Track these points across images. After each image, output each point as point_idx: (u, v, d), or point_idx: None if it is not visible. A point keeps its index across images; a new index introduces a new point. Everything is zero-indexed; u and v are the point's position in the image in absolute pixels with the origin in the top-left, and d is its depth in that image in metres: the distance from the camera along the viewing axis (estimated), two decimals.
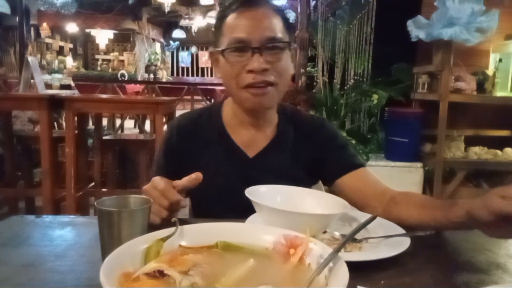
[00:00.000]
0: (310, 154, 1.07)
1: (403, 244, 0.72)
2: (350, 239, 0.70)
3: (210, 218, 0.98)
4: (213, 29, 1.06)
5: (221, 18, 1.00)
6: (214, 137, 1.07)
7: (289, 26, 1.03)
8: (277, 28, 0.97)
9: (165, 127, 3.03)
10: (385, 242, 0.75)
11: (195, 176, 0.84)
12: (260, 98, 0.97)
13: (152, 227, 0.62)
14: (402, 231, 0.79)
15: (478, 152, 3.15)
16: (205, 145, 1.07)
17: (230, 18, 0.98)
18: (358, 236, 0.74)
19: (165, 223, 0.77)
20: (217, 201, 1.05)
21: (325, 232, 0.79)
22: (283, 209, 0.74)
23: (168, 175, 0.98)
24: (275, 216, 0.73)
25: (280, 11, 1.02)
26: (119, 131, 4.93)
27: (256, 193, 0.81)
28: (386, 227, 0.81)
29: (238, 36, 0.95)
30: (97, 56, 11.61)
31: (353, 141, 3.11)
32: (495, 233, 0.68)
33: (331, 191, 1.08)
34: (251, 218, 0.81)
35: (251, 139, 1.06)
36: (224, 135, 1.07)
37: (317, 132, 1.09)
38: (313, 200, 0.86)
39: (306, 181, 1.05)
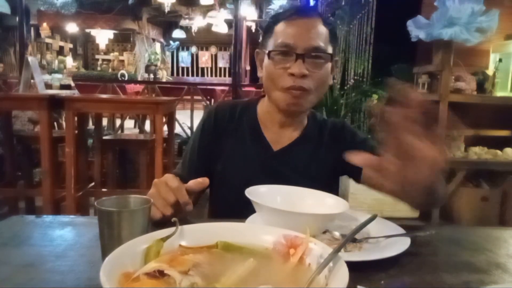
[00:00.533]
0: (332, 155, 1.13)
1: (403, 244, 0.72)
2: (350, 239, 0.71)
3: (226, 208, 1.04)
4: (261, 30, 1.18)
5: (273, 22, 1.08)
6: (246, 128, 1.15)
7: (335, 39, 1.09)
8: (323, 39, 1.04)
9: (165, 128, 3.03)
10: (385, 242, 0.75)
11: (202, 180, 0.86)
12: (295, 101, 1.04)
13: (152, 227, 0.62)
14: (402, 231, 0.79)
15: (478, 152, 3.15)
16: (237, 133, 1.14)
17: (282, 23, 1.05)
18: (358, 236, 0.74)
19: (165, 221, 0.77)
20: (238, 189, 1.04)
21: (325, 232, 0.79)
22: (283, 209, 0.74)
23: (199, 157, 1.13)
24: (275, 216, 0.73)
25: (329, 24, 1.08)
26: (119, 131, 4.93)
27: (256, 193, 0.81)
28: (386, 227, 0.81)
29: (286, 41, 1.02)
30: (97, 56, 11.61)
31: None
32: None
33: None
34: (251, 218, 0.81)
35: (279, 135, 1.14)
36: (255, 128, 1.14)
37: (338, 133, 1.16)
38: (313, 200, 0.86)
39: (325, 181, 1.11)
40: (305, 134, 1.15)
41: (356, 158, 0.63)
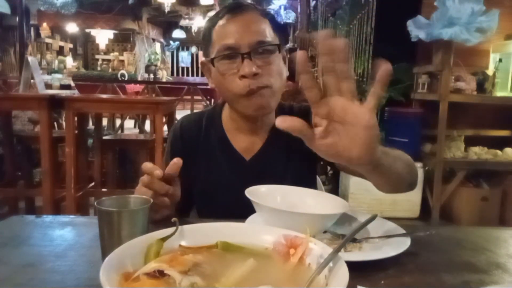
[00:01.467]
0: (304, 147, 1.05)
1: (403, 244, 0.72)
2: (350, 239, 0.71)
3: (213, 219, 1.00)
4: (202, 39, 1.06)
5: (209, 27, 1.01)
6: (215, 141, 1.09)
7: (279, 28, 1.03)
8: (266, 31, 0.97)
9: (165, 128, 3.03)
10: (385, 242, 0.75)
11: (176, 161, 0.83)
12: (261, 102, 0.96)
13: (152, 227, 0.62)
14: (402, 231, 0.79)
15: (478, 152, 3.15)
16: (207, 149, 1.09)
17: (218, 26, 0.98)
18: (358, 236, 0.74)
19: (163, 218, 0.80)
20: (219, 203, 1.07)
21: (325, 232, 0.79)
22: (283, 209, 0.74)
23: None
24: (275, 216, 0.73)
25: (268, 14, 1.02)
26: (119, 131, 4.93)
27: (256, 193, 0.81)
28: (386, 227, 0.81)
29: (227, 43, 0.95)
30: (97, 56, 11.61)
31: None
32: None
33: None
34: (251, 218, 0.81)
35: (248, 143, 1.08)
36: (223, 140, 1.09)
37: (308, 118, 1.06)
38: (313, 200, 0.86)
39: (304, 178, 1.06)
40: (273, 134, 1.08)
41: (281, 122, 0.59)
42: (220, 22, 0.98)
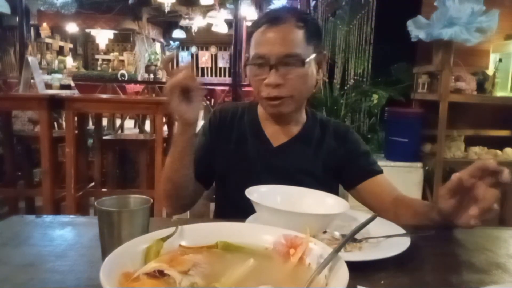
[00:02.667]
0: (332, 157, 1.15)
1: (403, 244, 0.72)
2: (350, 239, 0.71)
3: (232, 206, 1.03)
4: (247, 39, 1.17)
5: (251, 32, 1.09)
6: (247, 127, 1.18)
7: (314, 35, 1.08)
8: (296, 43, 1.03)
9: (165, 128, 3.03)
10: (385, 242, 0.75)
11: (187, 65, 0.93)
12: (276, 108, 1.08)
13: (152, 227, 0.62)
14: (402, 231, 0.79)
15: (478, 152, 3.15)
16: (239, 132, 1.18)
17: (257, 33, 1.06)
18: (358, 236, 0.74)
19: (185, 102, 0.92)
20: (241, 186, 1.07)
21: (325, 232, 0.79)
22: (283, 209, 0.74)
23: (205, 155, 1.16)
24: (275, 216, 0.73)
25: (305, 21, 1.06)
26: (119, 131, 4.93)
27: (256, 193, 0.81)
28: (386, 227, 0.81)
29: (259, 52, 1.04)
30: (97, 56, 11.61)
31: None
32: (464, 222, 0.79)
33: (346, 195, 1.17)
34: (251, 218, 0.81)
35: (278, 132, 1.16)
36: (256, 125, 1.18)
37: (342, 137, 1.18)
38: (313, 200, 0.86)
39: (324, 179, 1.14)
40: (304, 132, 1.17)
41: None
42: (259, 30, 1.06)
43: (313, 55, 1.08)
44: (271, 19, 1.05)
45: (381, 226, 0.81)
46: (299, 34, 1.04)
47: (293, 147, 1.15)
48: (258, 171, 1.12)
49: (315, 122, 1.19)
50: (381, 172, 1.13)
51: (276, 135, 1.16)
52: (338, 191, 1.21)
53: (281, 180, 0.96)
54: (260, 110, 1.21)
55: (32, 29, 8.84)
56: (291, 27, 1.04)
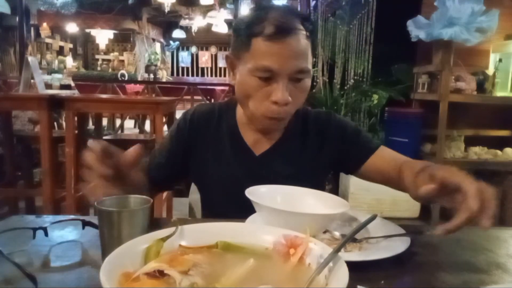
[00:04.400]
0: (322, 151, 1.08)
1: (403, 244, 0.72)
2: (350, 239, 0.71)
3: (218, 213, 1.03)
4: (234, 33, 1.02)
5: (249, 34, 0.94)
6: (225, 133, 1.09)
7: (315, 41, 1.01)
8: (307, 56, 0.95)
9: (165, 128, 3.03)
10: (385, 242, 0.75)
11: (137, 148, 0.78)
12: (274, 126, 1.01)
13: (152, 227, 0.62)
14: (402, 231, 0.79)
15: (478, 152, 3.15)
16: (216, 139, 1.08)
17: (261, 41, 0.92)
18: (358, 236, 0.74)
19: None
20: (224, 195, 1.07)
21: (325, 232, 0.79)
22: (283, 209, 0.74)
23: (170, 158, 1.09)
24: (275, 216, 0.73)
25: (311, 32, 0.96)
26: (119, 131, 4.93)
27: (256, 193, 0.81)
28: (386, 227, 0.81)
29: (267, 65, 0.91)
30: (97, 56, 11.62)
31: None
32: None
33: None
34: (251, 218, 0.81)
35: (260, 139, 1.08)
36: (235, 133, 1.08)
37: (325, 127, 1.09)
38: (313, 200, 0.86)
39: (312, 180, 1.05)
40: (287, 135, 1.08)
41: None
42: (265, 38, 0.91)
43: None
44: (280, 28, 0.91)
45: (381, 226, 0.81)
46: (308, 45, 0.95)
47: (277, 154, 1.07)
48: (241, 180, 1.00)
49: (296, 121, 1.08)
50: (378, 147, 1.06)
51: (257, 143, 1.08)
52: (324, 188, 1.16)
53: None
54: (239, 114, 1.10)
55: (32, 29, 8.85)
56: (301, 38, 0.93)
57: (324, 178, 1.19)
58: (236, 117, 1.10)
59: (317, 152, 1.08)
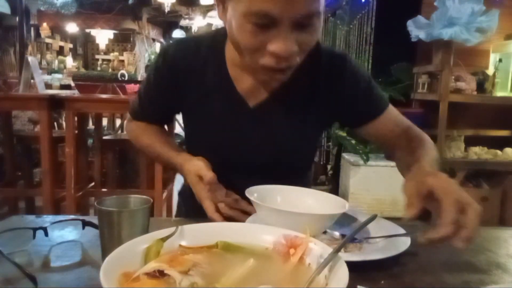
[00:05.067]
0: (326, 100, 0.92)
1: (403, 244, 0.72)
2: (350, 239, 0.71)
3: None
4: None
5: None
6: (215, 78, 0.90)
7: None
8: None
9: (165, 127, 3.03)
10: (385, 242, 0.75)
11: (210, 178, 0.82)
12: (277, 77, 0.80)
13: (152, 227, 0.62)
14: (403, 231, 0.79)
15: (478, 152, 3.15)
16: (203, 86, 0.91)
17: None
18: (358, 236, 0.74)
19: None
20: (211, 151, 0.95)
21: (325, 232, 0.79)
22: (283, 209, 0.74)
23: (153, 95, 0.97)
24: (275, 216, 0.73)
25: None
26: (119, 131, 4.93)
27: (256, 192, 0.81)
28: (386, 227, 0.81)
29: (265, 10, 0.69)
30: (97, 56, 11.61)
31: (353, 141, 3.11)
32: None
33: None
34: (251, 218, 0.81)
35: (254, 87, 0.89)
36: (225, 79, 0.90)
37: (337, 75, 0.91)
38: (313, 200, 0.86)
39: (312, 135, 0.98)
40: (289, 82, 0.86)
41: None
42: None
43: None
44: None
45: (381, 226, 0.81)
46: None
47: (275, 105, 0.89)
48: (230, 137, 0.91)
49: (302, 63, 0.82)
50: (385, 108, 0.94)
51: (252, 91, 0.89)
52: (318, 143, 1.13)
53: (261, 147, 0.88)
54: (229, 53, 0.88)
55: (32, 29, 8.85)
56: None
57: (323, 132, 1.09)
58: (225, 57, 0.90)
59: (324, 103, 0.92)
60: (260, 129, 0.91)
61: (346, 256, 0.63)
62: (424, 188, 0.64)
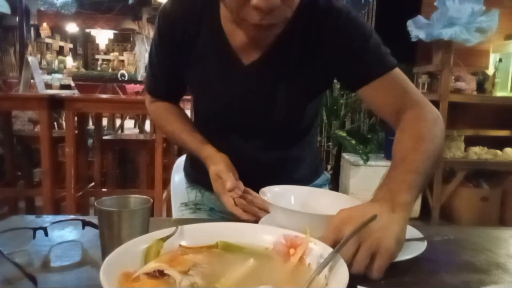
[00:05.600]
0: (321, 57, 0.87)
1: (418, 248, 0.70)
2: (350, 239, 0.70)
3: (209, 129, 1.00)
4: None
5: None
6: (210, 34, 0.88)
7: None
8: None
9: None
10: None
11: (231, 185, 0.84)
12: (262, 33, 0.77)
13: (152, 227, 0.62)
14: (420, 234, 0.77)
15: (478, 152, 3.15)
16: (198, 42, 0.89)
17: None
18: None
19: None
20: (211, 112, 1.00)
21: None
22: (297, 210, 0.74)
23: (165, 70, 0.97)
24: (288, 217, 0.71)
25: None
26: (119, 131, 4.93)
27: (270, 193, 0.80)
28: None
29: None
30: (97, 56, 11.62)
31: (353, 141, 3.11)
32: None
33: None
34: (265, 218, 0.80)
35: (249, 43, 0.85)
36: (220, 35, 0.86)
37: (330, 29, 0.85)
38: (327, 201, 0.84)
39: (310, 93, 0.93)
40: (284, 37, 0.83)
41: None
42: None
43: None
44: None
45: None
46: None
47: (270, 62, 0.86)
48: (226, 97, 0.90)
49: (299, 16, 0.80)
50: (386, 71, 0.85)
51: (246, 47, 0.86)
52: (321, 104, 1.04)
53: (258, 106, 0.88)
54: (223, 10, 0.85)
55: (32, 29, 8.85)
56: None
57: (323, 92, 1.03)
58: (219, 13, 0.86)
59: (319, 61, 0.88)
60: (255, 87, 0.89)
61: None
62: (347, 229, 0.59)
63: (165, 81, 1.02)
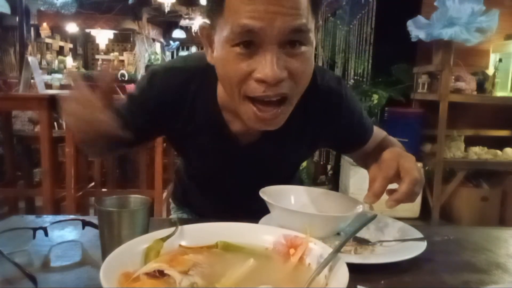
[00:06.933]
0: (320, 134, 0.91)
1: (417, 248, 0.70)
2: (350, 239, 0.70)
3: (200, 204, 1.05)
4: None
5: None
6: (206, 117, 0.85)
7: None
8: (303, 8, 0.65)
9: None
10: (399, 245, 0.74)
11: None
12: (268, 118, 0.71)
13: (152, 227, 0.62)
14: (420, 235, 0.77)
15: (478, 152, 3.15)
16: (191, 121, 0.85)
17: None
18: (371, 239, 0.75)
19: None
20: (201, 182, 1.03)
21: (338, 234, 0.77)
22: (296, 210, 0.74)
23: (135, 126, 0.80)
24: (288, 217, 0.72)
25: None
26: None
27: (269, 193, 0.80)
28: (404, 230, 0.80)
29: (246, 24, 0.63)
30: (97, 56, 11.61)
31: None
32: None
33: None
34: (265, 219, 0.80)
35: (248, 128, 0.83)
36: (217, 119, 0.85)
37: (333, 111, 0.87)
38: (327, 201, 0.84)
39: (302, 159, 1.07)
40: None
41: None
42: None
43: (318, 22, 0.74)
44: None
45: (399, 230, 0.80)
46: None
47: (267, 144, 0.87)
48: (221, 172, 0.92)
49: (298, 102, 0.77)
50: (372, 132, 0.97)
51: (245, 131, 0.85)
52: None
53: (252, 176, 0.88)
54: (220, 91, 0.82)
55: (32, 29, 8.84)
56: None
57: (310, 155, 1.19)
58: (217, 95, 0.84)
59: (317, 137, 0.91)
60: (250, 164, 0.90)
61: (355, 258, 0.64)
62: (391, 170, 0.74)
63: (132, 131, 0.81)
